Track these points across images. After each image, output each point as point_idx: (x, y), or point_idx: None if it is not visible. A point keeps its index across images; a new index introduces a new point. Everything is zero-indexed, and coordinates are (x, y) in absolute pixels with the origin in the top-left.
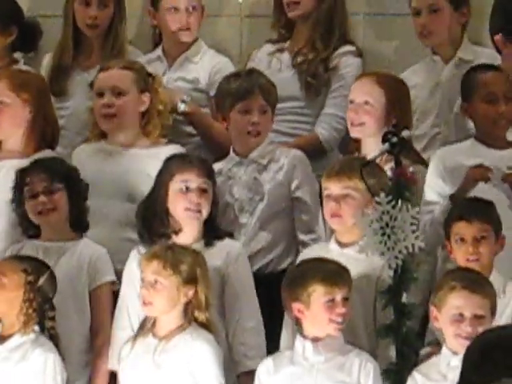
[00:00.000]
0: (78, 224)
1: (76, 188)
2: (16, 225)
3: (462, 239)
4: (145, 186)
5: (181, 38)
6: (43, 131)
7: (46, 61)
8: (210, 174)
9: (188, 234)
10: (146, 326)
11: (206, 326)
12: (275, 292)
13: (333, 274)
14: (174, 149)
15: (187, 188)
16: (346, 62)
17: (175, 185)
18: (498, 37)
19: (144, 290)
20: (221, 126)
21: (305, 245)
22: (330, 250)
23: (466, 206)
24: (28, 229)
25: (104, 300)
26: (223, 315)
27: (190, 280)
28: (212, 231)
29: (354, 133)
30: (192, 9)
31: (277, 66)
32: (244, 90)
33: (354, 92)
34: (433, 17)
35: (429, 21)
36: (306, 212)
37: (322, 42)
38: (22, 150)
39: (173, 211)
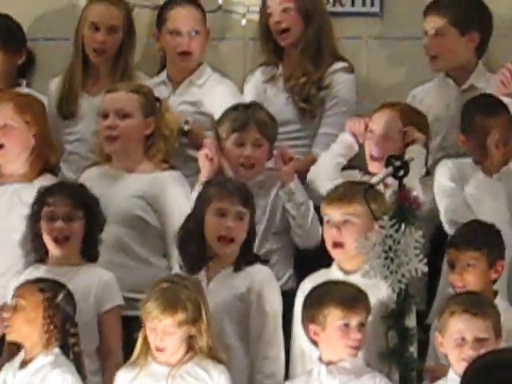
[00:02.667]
0: (89, 253)
1: (95, 218)
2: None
3: (452, 266)
4: (141, 212)
5: (182, 63)
6: (47, 156)
7: (55, 85)
8: (246, 202)
9: (222, 258)
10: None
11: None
12: None
13: (350, 297)
14: (173, 174)
15: (222, 215)
16: (339, 79)
17: (211, 211)
18: None
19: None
20: None
21: None
22: (334, 278)
23: (459, 233)
24: (37, 248)
25: (113, 324)
26: (247, 341)
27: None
28: (244, 256)
29: (373, 167)
30: (195, 33)
31: (272, 91)
32: (239, 122)
33: (374, 123)
34: (437, 41)
35: (433, 45)
36: None
37: (313, 64)
38: (25, 174)
39: (207, 237)
